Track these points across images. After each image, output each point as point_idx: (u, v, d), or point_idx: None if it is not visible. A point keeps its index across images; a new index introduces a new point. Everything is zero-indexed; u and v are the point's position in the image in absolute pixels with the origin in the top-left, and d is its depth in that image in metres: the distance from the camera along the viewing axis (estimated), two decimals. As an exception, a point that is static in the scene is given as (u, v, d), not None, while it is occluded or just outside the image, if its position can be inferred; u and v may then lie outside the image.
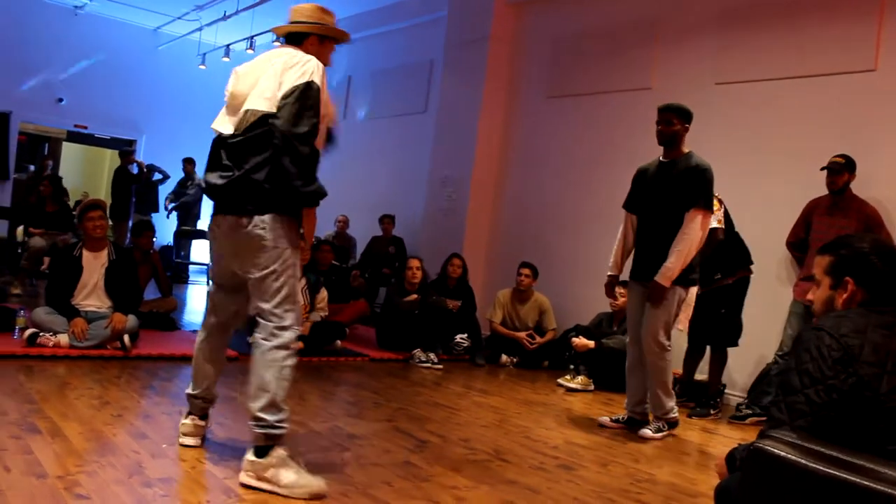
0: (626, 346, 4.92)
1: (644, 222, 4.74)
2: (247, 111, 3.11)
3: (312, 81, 3.01)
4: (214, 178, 3.17)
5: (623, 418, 4.85)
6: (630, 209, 4.87)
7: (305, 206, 3.06)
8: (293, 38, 3.26)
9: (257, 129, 3.06)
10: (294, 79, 3.01)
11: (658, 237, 4.55)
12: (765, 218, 5.81)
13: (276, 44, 3.35)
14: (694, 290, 4.62)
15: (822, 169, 5.26)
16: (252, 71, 3.21)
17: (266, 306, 3.07)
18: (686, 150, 4.59)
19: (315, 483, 2.96)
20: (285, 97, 2.99)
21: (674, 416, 4.68)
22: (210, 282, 3.36)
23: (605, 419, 4.92)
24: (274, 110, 3.02)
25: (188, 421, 3.46)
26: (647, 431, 4.60)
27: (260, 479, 2.95)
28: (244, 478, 2.98)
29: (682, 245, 4.40)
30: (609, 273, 4.94)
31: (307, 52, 3.17)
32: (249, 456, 2.99)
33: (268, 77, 3.08)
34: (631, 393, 4.84)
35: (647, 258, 4.65)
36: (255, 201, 3.03)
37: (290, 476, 2.94)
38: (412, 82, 10.01)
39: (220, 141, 3.22)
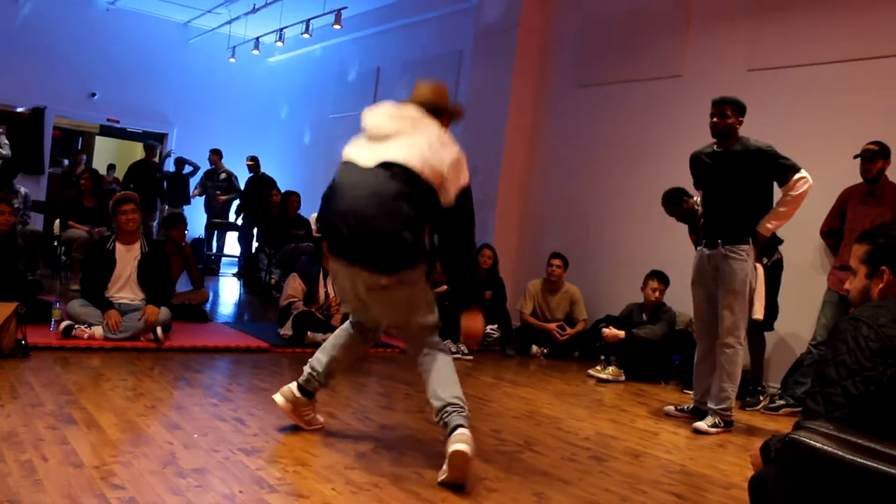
0: (695, 337, 4.94)
1: (708, 203, 4.75)
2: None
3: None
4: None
5: (688, 408, 4.88)
6: (699, 188, 4.90)
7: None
8: (433, 109, 3.33)
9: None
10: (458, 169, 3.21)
11: (724, 214, 4.59)
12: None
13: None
14: (763, 277, 4.60)
15: (856, 157, 5.17)
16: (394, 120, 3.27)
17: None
18: (739, 138, 4.61)
19: None
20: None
21: (730, 414, 4.62)
22: None
23: (671, 408, 4.96)
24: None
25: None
26: (701, 425, 4.54)
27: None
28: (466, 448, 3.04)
29: (783, 206, 4.44)
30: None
31: (444, 125, 3.34)
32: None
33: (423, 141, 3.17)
34: (697, 384, 4.85)
35: (716, 226, 4.64)
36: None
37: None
38: (441, 73, 9.95)
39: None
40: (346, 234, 3.10)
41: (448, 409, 3.14)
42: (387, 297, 3.20)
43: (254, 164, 11.23)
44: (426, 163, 3.10)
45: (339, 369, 3.72)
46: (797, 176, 4.38)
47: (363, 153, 3.20)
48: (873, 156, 5.10)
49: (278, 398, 3.63)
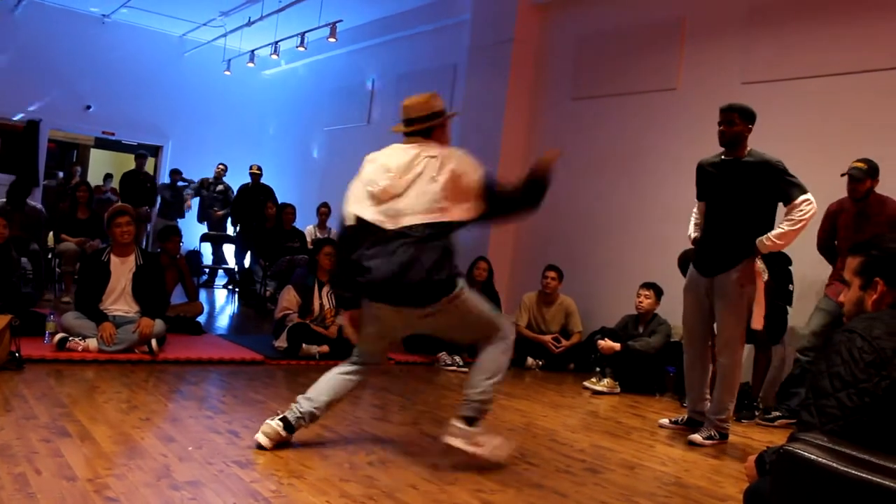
0: (683, 345, 4.88)
1: (710, 215, 4.63)
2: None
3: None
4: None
5: (682, 420, 4.86)
6: (702, 199, 4.77)
7: None
8: (423, 126, 3.59)
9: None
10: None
11: (724, 232, 4.49)
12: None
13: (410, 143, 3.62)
14: (762, 286, 4.55)
15: (843, 175, 5.09)
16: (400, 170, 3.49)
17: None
18: (748, 148, 4.51)
19: (506, 444, 3.66)
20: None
21: (727, 425, 4.60)
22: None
23: (665, 421, 4.94)
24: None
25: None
26: (696, 437, 4.53)
27: (472, 444, 3.50)
28: (453, 441, 3.50)
29: (788, 226, 4.30)
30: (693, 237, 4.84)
31: (439, 141, 3.60)
32: (460, 424, 3.52)
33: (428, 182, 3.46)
34: (690, 394, 4.84)
35: (711, 251, 4.56)
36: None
37: (492, 440, 3.58)
38: (436, 86, 9.95)
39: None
40: (382, 285, 3.40)
41: (464, 401, 3.61)
42: (438, 319, 3.52)
43: (258, 173, 11.14)
44: (438, 203, 3.42)
45: (332, 409, 3.77)
46: (802, 197, 4.26)
47: (382, 216, 3.46)
48: (863, 175, 4.99)
49: (264, 440, 3.50)
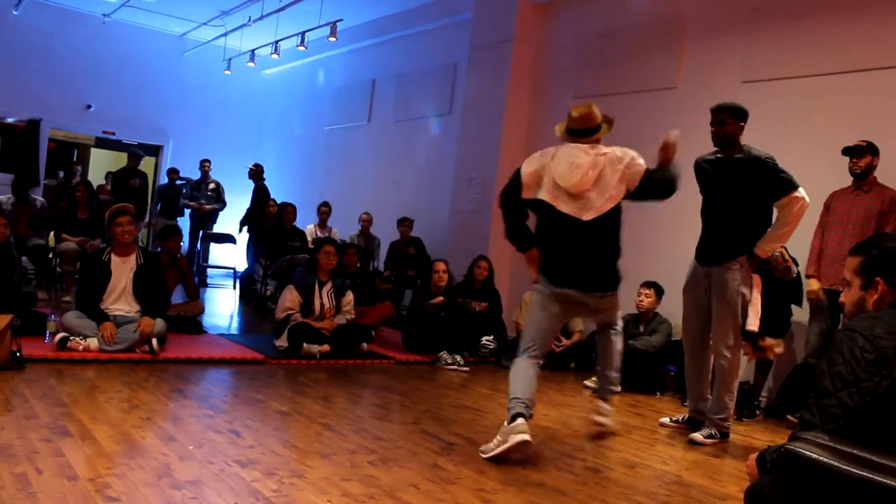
0: (683, 344, 4.90)
1: (708, 211, 4.70)
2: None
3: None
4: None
5: (683, 419, 4.86)
6: (701, 194, 4.84)
7: None
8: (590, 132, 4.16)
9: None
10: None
11: (721, 227, 4.56)
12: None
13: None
14: (759, 287, 4.57)
15: (844, 151, 5.15)
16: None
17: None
18: (742, 145, 4.55)
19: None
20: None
21: (728, 424, 4.61)
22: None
23: (666, 420, 4.95)
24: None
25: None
26: (697, 436, 4.54)
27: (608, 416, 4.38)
28: (604, 420, 4.38)
29: (781, 228, 4.41)
30: None
31: (602, 140, 4.15)
32: (607, 406, 4.39)
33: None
34: (691, 393, 4.85)
35: (709, 244, 4.63)
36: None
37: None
38: (437, 85, 10.01)
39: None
40: (582, 273, 4.01)
41: (601, 384, 4.46)
42: (608, 302, 4.20)
43: (256, 170, 11.07)
44: (615, 193, 3.97)
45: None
46: (794, 195, 4.32)
47: (576, 209, 3.96)
48: (862, 150, 5.09)
49: (526, 436, 3.68)
